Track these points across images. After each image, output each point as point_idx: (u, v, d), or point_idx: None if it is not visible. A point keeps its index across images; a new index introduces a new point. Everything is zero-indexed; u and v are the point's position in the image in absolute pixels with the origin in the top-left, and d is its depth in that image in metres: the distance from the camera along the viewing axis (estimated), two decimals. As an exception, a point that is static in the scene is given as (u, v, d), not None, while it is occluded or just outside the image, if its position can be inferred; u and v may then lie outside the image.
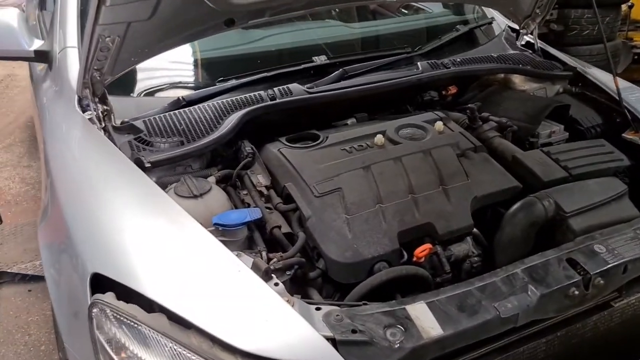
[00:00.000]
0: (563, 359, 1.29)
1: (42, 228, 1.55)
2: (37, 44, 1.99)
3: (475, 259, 1.42)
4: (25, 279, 2.69)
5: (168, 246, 1.19)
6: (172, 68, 1.95)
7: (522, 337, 1.22)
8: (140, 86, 1.87)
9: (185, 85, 1.90)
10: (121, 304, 1.07)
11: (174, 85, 1.89)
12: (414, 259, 1.36)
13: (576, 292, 1.19)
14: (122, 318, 1.05)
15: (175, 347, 1.01)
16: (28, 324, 2.44)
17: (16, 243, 2.91)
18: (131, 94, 1.85)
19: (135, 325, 1.04)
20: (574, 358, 1.30)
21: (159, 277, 1.13)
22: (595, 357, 1.34)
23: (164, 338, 1.02)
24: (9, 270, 2.68)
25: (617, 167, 1.62)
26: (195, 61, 1.97)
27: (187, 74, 1.99)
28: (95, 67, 1.52)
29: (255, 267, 1.17)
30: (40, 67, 2.26)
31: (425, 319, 1.10)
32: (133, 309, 1.07)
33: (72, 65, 1.84)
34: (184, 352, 1.00)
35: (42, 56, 1.99)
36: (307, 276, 1.33)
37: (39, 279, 2.67)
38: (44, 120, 1.87)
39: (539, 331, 1.24)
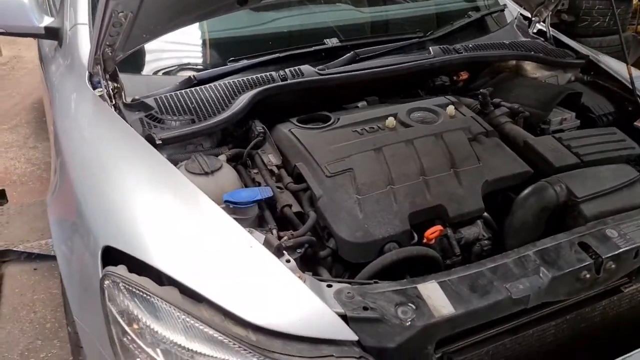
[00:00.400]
0: (571, 343, 1.29)
1: (51, 204, 1.55)
2: (47, 20, 1.98)
3: (486, 242, 1.42)
4: (31, 257, 2.70)
5: (180, 221, 1.19)
6: (183, 48, 1.94)
7: (531, 319, 1.22)
8: (150, 65, 1.86)
9: (197, 64, 1.89)
10: (133, 276, 1.07)
11: (185, 65, 1.88)
12: (424, 240, 1.36)
13: (587, 276, 1.19)
14: (134, 290, 1.05)
15: (187, 319, 1.01)
16: (33, 301, 2.45)
17: (22, 222, 2.91)
18: (141, 73, 1.84)
19: (148, 298, 1.04)
20: (582, 342, 1.30)
21: (171, 251, 1.13)
22: (603, 342, 1.33)
23: (176, 310, 1.02)
24: (15, 249, 2.69)
25: (629, 155, 1.61)
26: (207, 41, 1.96)
27: (198, 54, 1.98)
28: (108, 43, 1.51)
29: (267, 244, 1.17)
30: (48, 45, 2.26)
31: (436, 298, 1.10)
32: (145, 281, 1.07)
33: (83, 42, 1.83)
34: (196, 325, 1.00)
35: (52, 33, 1.98)
36: (317, 255, 1.33)
37: (44, 257, 2.69)
38: (54, 97, 1.86)
39: (549, 314, 1.24)
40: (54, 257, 2.66)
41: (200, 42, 1.97)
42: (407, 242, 1.34)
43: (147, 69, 1.86)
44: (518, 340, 1.21)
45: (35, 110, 4.58)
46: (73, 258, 1.33)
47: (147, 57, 1.86)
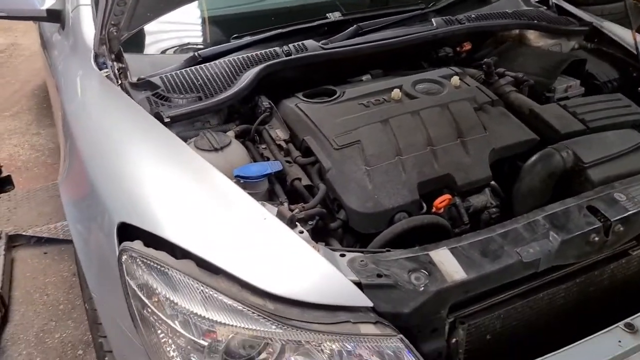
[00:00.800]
0: (581, 306, 1.31)
1: (64, 186, 1.57)
2: (49, 2, 1.98)
3: (494, 209, 1.44)
4: (40, 241, 2.73)
5: (193, 195, 1.21)
6: (185, 27, 1.94)
7: (542, 283, 1.23)
8: (154, 44, 1.86)
9: (199, 43, 1.89)
10: (150, 251, 1.09)
11: (188, 43, 1.88)
12: (433, 209, 1.38)
13: (596, 239, 1.20)
14: (152, 264, 1.07)
15: (205, 290, 1.03)
16: (45, 284, 2.48)
17: (30, 207, 2.93)
18: (144, 52, 1.84)
19: (165, 271, 1.06)
20: (590, 305, 1.32)
21: (185, 225, 1.14)
22: (611, 305, 1.35)
23: (194, 282, 1.04)
24: (24, 234, 2.72)
25: (635, 121, 1.62)
26: (208, 19, 1.96)
27: (201, 32, 1.98)
28: (112, 23, 1.51)
29: (280, 215, 1.19)
30: (50, 28, 2.25)
31: (448, 263, 1.12)
32: (162, 255, 1.09)
33: (86, 22, 1.84)
34: (215, 295, 1.02)
35: (54, 15, 1.99)
36: (327, 227, 1.35)
37: (54, 241, 2.71)
38: (60, 81, 1.87)
39: (558, 278, 1.25)
40: (63, 241, 2.70)
41: (201, 20, 1.96)
42: (416, 212, 1.36)
43: (151, 49, 1.86)
44: (529, 303, 1.22)
45: (35, 97, 4.57)
46: (89, 236, 1.35)
47: (150, 37, 1.86)
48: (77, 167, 1.47)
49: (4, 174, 3.16)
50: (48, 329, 2.24)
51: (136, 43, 1.79)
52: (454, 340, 1.15)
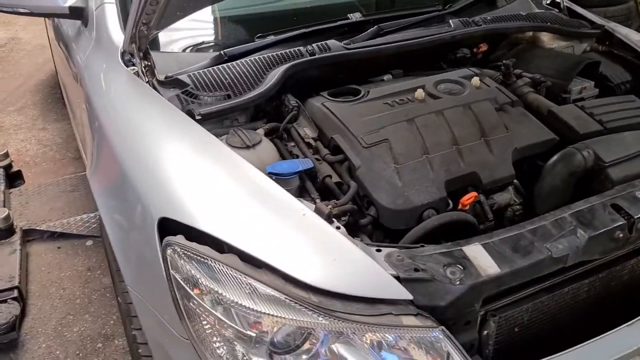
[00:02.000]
0: (602, 300, 1.36)
1: (94, 179, 1.60)
2: (71, 0, 2.00)
3: (517, 207, 1.49)
4: (54, 236, 2.75)
5: (232, 190, 1.25)
6: (208, 25, 1.97)
7: (566, 278, 1.28)
8: (176, 42, 1.89)
9: (222, 41, 1.92)
10: (194, 245, 1.13)
11: (211, 42, 1.91)
12: (459, 206, 1.42)
13: (621, 235, 1.25)
14: (197, 257, 1.11)
15: (252, 282, 1.06)
16: (61, 279, 2.51)
17: (41, 202, 2.95)
18: (168, 50, 1.87)
19: (211, 264, 1.09)
20: (611, 299, 1.37)
21: (226, 220, 1.18)
22: (630, 299, 1.40)
23: (240, 275, 1.07)
24: (37, 228, 2.74)
25: (649, 122, 1.67)
26: (231, 18, 1.99)
27: (225, 31, 2.00)
28: (144, 21, 1.54)
29: (318, 211, 1.22)
30: (69, 25, 2.27)
31: (482, 258, 1.16)
32: (206, 249, 1.12)
33: (111, 20, 1.86)
34: (262, 287, 1.06)
35: (77, 12, 2.01)
36: (357, 223, 1.39)
37: (67, 236, 2.74)
38: (83, 77, 1.89)
39: (582, 273, 1.30)
40: (76, 236, 2.73)
41: (225, 19, 1.99)
42: (443, 209, 1.40)
43: (173, 47, 1.89)
44: (554, 297, 1.27)
45: (40, 92, 4.58)
46: (126, 231, 1.38)
47: (172, 35, 1.88)
48: (109, 161, 1.51)
49: (14, 169, 3.19)
50: (66, 322, 2.27)
51: (154, 41, 1.81)
52: (485, 332, 1.19)
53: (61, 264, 2.59)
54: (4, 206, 2.75)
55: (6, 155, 3.16)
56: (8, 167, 3.13)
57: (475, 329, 1.18)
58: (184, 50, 1.89)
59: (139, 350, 1.44)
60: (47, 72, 4.93)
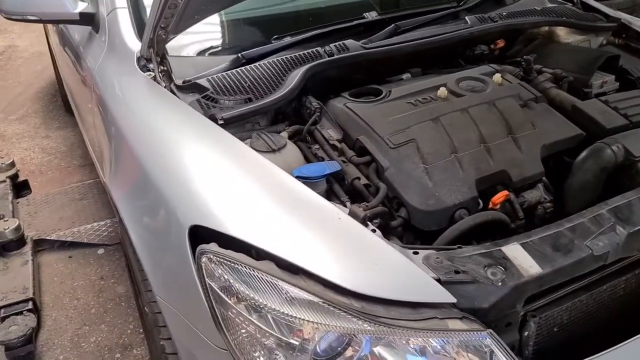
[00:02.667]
0: (637, 296, 1.34)
1: (114, 185, 1.57)
2: (82, 6, 1.97)
3: (548, 204, 1.46)
4: (64, 245, 2.71)
5: (264, 195, 1.22)
6: (222, 28, 1.95)
7: (604, 275, 1.26)
8: (193, 46, 1.86)
9: (238, 44, 1.89)
10: (230, 252, 1.10)
11: (226, 45, 1.89)
12: (490, 205, 1.40)
13: (659, 230, 1.24)
14: (233, 265, 1.08)
15: (291, 289, 1.04)
16: (74, 288, 2.48)
17: (50, 212, 2.91)
18: (182, 54, 1.84)
19: (248, 271, 1.07)
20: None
21: (260, 226, 1.16)
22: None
23: (279, 281, 1.05)
24: (48, 238, 2.70)
25: (672, 115, 1.65)
26: (246, 20, 1.97)
27: (240, 33, 1.98)
28: (162, 25, 1.52)
29: (352, 214, 1.20)
30: (79, 31, 2.24)
31: (522, 258, 1.14)
32: (241, 256, 1.10)
33: (124, 25, 1.84)
34: (301, 294, 1.03)
35: (87, 18, 1.98)
36: (388, 225, 1.36)
37: (78, 245, 2.71)
38: (97, 83, 1.86)
39: (619, 270, 1.28)
40: (87, 245, 2.70)
41: (240, 21, 1.97)
42: (475, 208, 1.38)
43: (189, 50, 1.86)
44: (593, 296, 1.25)
45: (40, 100, 4.54)
46: (154, 238, 1.35)
47: (189, 39, 1.85)
48: (132, 167, 1.48)
49: (21, 178, 3.15)
50: (82, 333, 2.24)
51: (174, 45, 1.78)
52: (525, 333, 1.17)
53: (73, 273, 2.56)
54: (13, 216, 2.71)
55: (12, 164, 3.12)
56: (14, 177, 3.10)
57: (515, 330, 1.16)
58: (198, 54, 1.86)
59: (168, 361, 1.41)
60: (47, 80, 4.89)
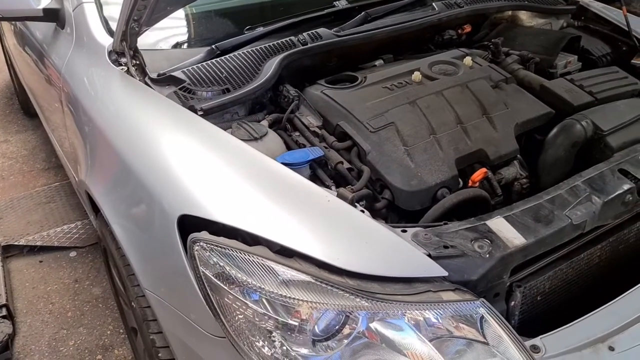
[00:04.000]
0: (612, 263, 1.40)
1: (92, 181, 1.55)
2: (45, 2, 1.93)
3: (524, 180, 1.52)
4: (34, 250, 2.65)
5: (251, 181, 1.23)
6: (193, 20, 1.93)
7: (581, 244, 1.32)
8: (166, 39, 1.84)
9: (210, 36, 1.87)
10: (222, 239, 1.10)
11: (198, 37, 1.88)
12: (469, 183, 1.44)
13: (630, 198, 1.30)
14: (227, 252, 1.08)
15: (287, 271, 1.05)
16: (48, 293, 2.42)
17: (17, 216, 2.84)
18: (156, 48, 1.82)
19: (243, 257, 1.07)
20: (619, 261, 1.42)
21: (250, 211, 1.16)
22: (637, 261, 1.46)
23: (274, 264, 1.06)
24: (16, 243, 2.63)
25: (634, 91, 1.73)
26: (218, 11, 1.95)
27: (212, 25, 1.96)
28: (135, 18, 1.49)
29: (341, 196, 1.22)
30: (41, 28, 2.19)
31: (506, 230, 1.19)
32: (234, 242, 1.10)
33: (92, 20, 1.80)
34: (297, 275, 1.05)
35: (52, 15, 1.94)
36: (373, 208, 1.39)
37: (48, 249, 2.65)
38: (67, 80, 1.82)
39: (594, 238, 1.34)
40: (58, 248, 2.64)
41: (212, 13, 1.95)
42: (455, 187, 1.42)
43: (161, 44, 1.84)
44: (572, 264, 1.30)
45: (-5, 104, 4.39)
46: (140, 232, 1.34)
47: (160, 32, 1.83)
48: (112, 162, 1.46)
49: (-18, 184, 3.05)
50: (60, 337, 2.19)
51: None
52: (512, 303, 1.21)
53: (46, 278, 2.50)
54: (-22, 223, 2.63)
55: (-28, 170, 3.02)
56: (-25, 183, 3.00)
57: (503, 300, 1.20)
58: (171, 47, 1.84)
59: (159, 355, 1.39)
60: (1, 84, 4.73)
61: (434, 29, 1.96)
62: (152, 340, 1.40)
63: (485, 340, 1.06)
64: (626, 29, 1.93)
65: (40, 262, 2.60)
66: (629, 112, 1.57)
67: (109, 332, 2.19)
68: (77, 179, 1.89)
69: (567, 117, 1.56)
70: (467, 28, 2.05)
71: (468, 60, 1.73)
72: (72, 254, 2.63)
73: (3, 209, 2.91)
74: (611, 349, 1.13)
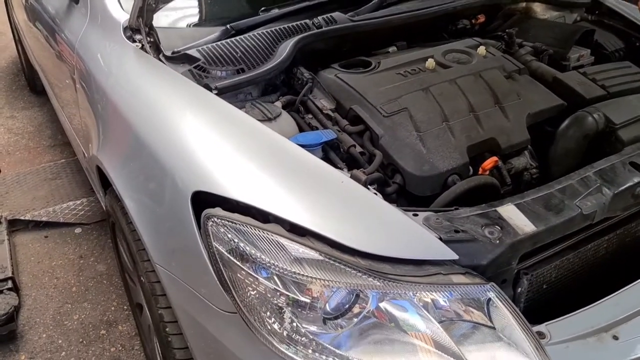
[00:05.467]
0: (618, 255, 1.41)
1: (105, 156, 1.55)
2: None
3: (534, 170, 1.53)
4: (39, 226, 2.66)
5: (266, 160, 1.24)
6: (209, 0, 1.93)
7: (589, 235, 1.33)
8: (181, 18, 1.85)
9: (227, 16, 1.87)
10: (236, 216, 1.11)
11: (217, 17, 1.88)
12: (480, 171, 1.45)
13: (640, 191, 1.31)
14: (241, 228, 1.09)
15: (299, 248, 1.06)
16: (53, 268, 2.43)
17: (22, 191, 2.85)
18: (171, 26, 1.82)
19: (257, 233, 1.08)
20: (626, 254, 1.43)
21: (264, 189, 1.17)
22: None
23: (287, 241, 1.07)
24: (22, 218, 2.64)
25: (646, 86, 1.74)
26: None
27: (227, 5, 1.96)
28: (152, -6, 1.50)
29: (355, 178, 1.23)
30: (55, 3, 2.18)
31: (517, 218, 1.19)
32: (248, 219, 1.11)
33: (108, -4, 1.80)
34: (309, 252, 1.06)
35: (66, -11, 1.93)
36: (383, 192, 1.40)
37: (54, 225, 2.66)
38: (81, 56, 1.82)
39: (602, 230, 1.35)
40: (64, 224, 2.65)
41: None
42: (466, 174, 1.43)
43: (176, 23, 1.85)
44: (579, 254, 1.32)
45: (1, 80, 4.38)
46: (152, 206, 1.35)
47: (175, 11, 1.84)
48: (125, 137, 1.46)
49: (-12, 158, 3.06)
50: (65, 311, 2.21)
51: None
52: (519, 289, 1.23)
53: (51, 253, 2.51)
54: (-16, 197, 2.64)
55: (-21, 144, 3.03)
56: (-18, 157, 3.01)
57: (510, 287, 1.21)
58: (185, 26, 1.84)
59: (167, 329, 1.41)
60: (7, 60, 4.73)
61: (448, 18, 1.97)
62: (161, 314, 1.41)
63: (492, 325, 1.07)
64: (640, 24, 1.93)
65: (46, 237, 2.61)
66: (641, 107, 1.58)
67: (113, 308, 2.21)
68: (87, 155, 1.90)
69: (579, 110, 1.57)
70: (481, 18, 2.05)
71: (482, 49, 1.74)
72: (77, 230, 2.64)
73: (9, 183, 2.92)
74: (615, 338, 1.14)
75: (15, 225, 2.64)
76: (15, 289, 2.19)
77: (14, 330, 2.06)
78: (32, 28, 2.67)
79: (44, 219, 2.65)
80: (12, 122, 3.74)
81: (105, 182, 1.66)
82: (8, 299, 2.06)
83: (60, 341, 2.08)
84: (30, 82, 4.07)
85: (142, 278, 1.48)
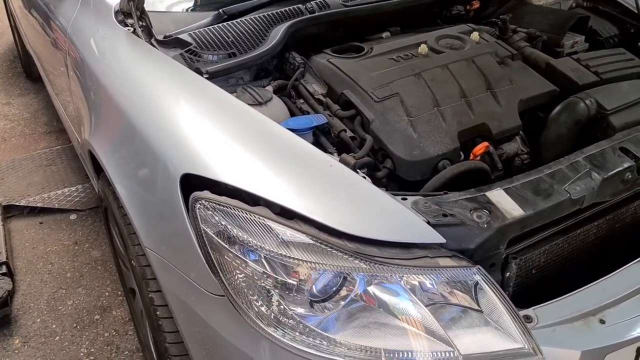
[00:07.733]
0: (607, 241, 1.42)
1: (97, 141, 1.55)
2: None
3: (525, 156, 1.53)
4: (34, 212, 2.66)
5: (255, 144, 1.24)
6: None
7: (578, 220, 1.33)
8: (173, 2, 1.83)
9: (220, 1, 1.86)
10: (224, 198, 1.11)
11: (209, 1, 1.87)
12: (471, 157, 1.45)
13: (630, 176, 1.30)
14: (229, 211, 1.09)
15: (287, 231, 1.06)
16: (47, 253, 2.44)
17: (17, 178, 2.85)
18: (163, 10, 1.81)
19: (245, 216, 1.09)
20: (615, 240, 1.44)
21: (253, 173, 1.17)
22: (632, 240, 1.47)
23: (275, 224, 1.07)
24: (17, 204, 2.64)
25: (639, 72, 1.73)
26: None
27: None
28: (143, -23, 1.49)
29: (344, 162, 1.23)
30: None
31: (505, 202, 1.20)
32: (236, 202, 1.11)
33: (101, -20, 1.78)
34: (297, 235, 1.06)
35: (58, -27, 1.91)
36: (373, 177, 1.40)
37: (49, 211, 2.67)
38: (73, 42, 1.81)
39: (592, 215, 1.36)
40: (59, 211, 2.65)
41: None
42: (457, 159, 1.43)
43: (168, 7, 1.84)
44: (568, 240, 1.32)
45: (-3, 67, 4.38)
46: (143, 190, 1.35)
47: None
48: (117, 121, 1.46)
49: (-16, 144, 3.05)
50: (59, 296, 2.22)
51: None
52: (507, 274, 1.23)
53: (45, 239, 2.52)
54: (-21, 182, 2.64)
55: (-26, 130, 3.02)
56: (-23, 143, 3.00)
57: (498, 271, 1.22)
58: (177, 11, 1.83)
59: (157, 313, 1.42)
60: (4, 46, 4.71)
61: (442, 3, 1.96)
62: (151, 298, 1.42)
63: (479, 308, 1.08)
64: (635, 11, 1.92)
65: (41, 223, 2.62)
66: (633, 93, 1.57)
67: (107, 294, 2.22)
68: (80, 140, 1.89)
69: (571, 96, 1.56)
70: (476, 4, 2.04)
71: (475, 35, 1.73)
72: (72, 216, 2.65)
73: (4, 170, 2.92)
74: (602, 322, 1.15)
75: (10, 211, 2.65)
76: (10, 274, 2.19)
77: (8, 314, 2.07)
78: (28, 15, 2.66)
79: (39, 205, 2.65)
80: (7, 108, 3.73)
81: (98, 168, 1.66)
82: (2, 284, 2.06)
83: (54, 326, 2.09)
84: (26, 69, 4.06)
85: (133, 262, 1.48)
